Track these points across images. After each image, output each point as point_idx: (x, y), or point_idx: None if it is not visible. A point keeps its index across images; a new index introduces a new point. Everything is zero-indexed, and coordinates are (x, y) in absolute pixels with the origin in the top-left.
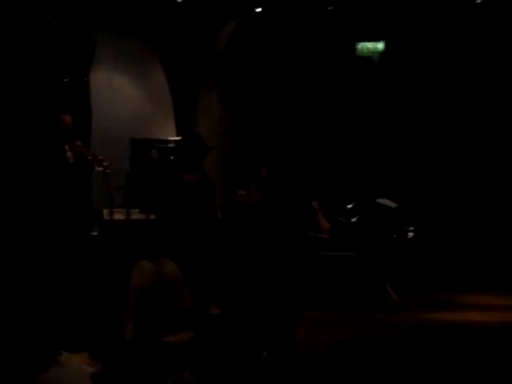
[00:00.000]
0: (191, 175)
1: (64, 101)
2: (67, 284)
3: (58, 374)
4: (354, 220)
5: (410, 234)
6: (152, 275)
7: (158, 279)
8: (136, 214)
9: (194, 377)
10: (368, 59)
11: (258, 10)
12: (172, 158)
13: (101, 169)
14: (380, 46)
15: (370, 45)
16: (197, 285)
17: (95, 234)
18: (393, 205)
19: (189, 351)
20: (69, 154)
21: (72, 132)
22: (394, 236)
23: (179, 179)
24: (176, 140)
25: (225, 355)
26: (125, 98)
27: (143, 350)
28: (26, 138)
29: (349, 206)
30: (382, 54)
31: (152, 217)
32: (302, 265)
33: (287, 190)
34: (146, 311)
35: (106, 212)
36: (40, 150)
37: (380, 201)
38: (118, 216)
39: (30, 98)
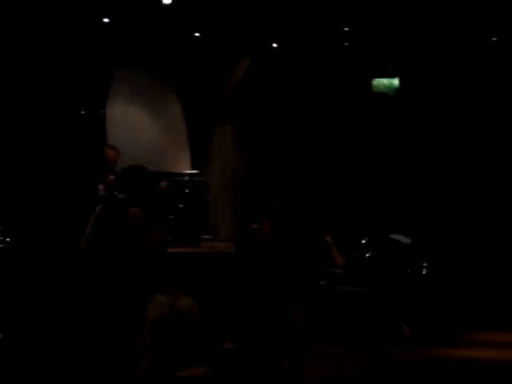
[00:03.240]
0: (134, 209)
1: (80, 133)
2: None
3: None
4: (367, 255)
5: (424, 271)
6: (167, 309)
7: (173, 313)
8: None
9: None
10: (384, 95)
11: (275, 45)
12: (187, 191)
13: None
14: (395, 82)
15: (385, 81)
16: (211, 319)
17: None
18: (407, 240)
19: None
20: (101, 186)
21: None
22: (408, 272)
23: (123, 212)
24: (191, 173)
25: None
26: (140, 130)
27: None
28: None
29: (363, 241)
30: (397, 90)
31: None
32: (307, 297)
33: (289, 235)
34: (160, 345)
35: None
36: (73, 181)
37: (394, 236)
38: None
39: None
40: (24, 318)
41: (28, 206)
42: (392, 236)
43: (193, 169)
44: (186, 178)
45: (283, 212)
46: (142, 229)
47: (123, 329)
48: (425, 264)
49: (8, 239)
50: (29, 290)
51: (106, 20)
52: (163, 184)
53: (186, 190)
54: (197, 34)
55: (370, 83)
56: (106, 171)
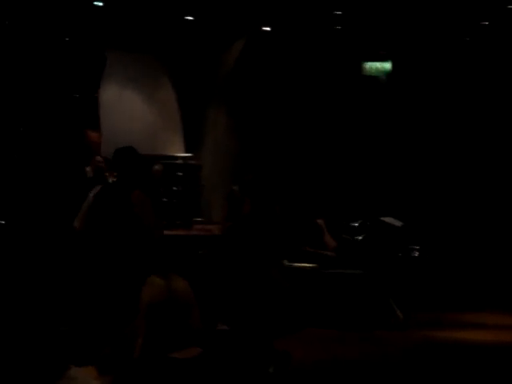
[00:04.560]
0: (138, 192)
1: (74, 116)
2: (78, 299)
3: None
4: (359, 238)
5: (416, 253)
6: (163, 291)
7: (168, 295)
8: None
9: None
10: (375, 79)
11: (267, 29)
12: (180, 174)
13: None
14: (387, 65)
15: (377, 64)
16: (205, 301)
17: None
18: (398, 223)
19: (197, 367)
20: (88, 168)
21: (95, 148)
22: (399, 254)
23: (120, 195)
24: (184, 156)
25: (232, 371)
26: (134, 113)
27: (151, 365)
28: (45, 150)
29: (354, 224)
30: (389, 73)
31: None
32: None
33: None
34: (155, 326)
35: None
36: (60, 164)
37: (385, 219)
38: None
39: (41, 113)
40: (18, 300)
41: (19, 189)
42: (383, 219)
43: (186, 152)
44: (180, 162)
45: (260, 185)
46: (146, 211)
47: (119, 310)
48: (416, 246)
49: (3, 222)
50: (21, 273)
51: (99, 4)
52: (157, 167)
53: (179, 173)
54: (190, 18)
55: (361, 67)
56: (90, 154)
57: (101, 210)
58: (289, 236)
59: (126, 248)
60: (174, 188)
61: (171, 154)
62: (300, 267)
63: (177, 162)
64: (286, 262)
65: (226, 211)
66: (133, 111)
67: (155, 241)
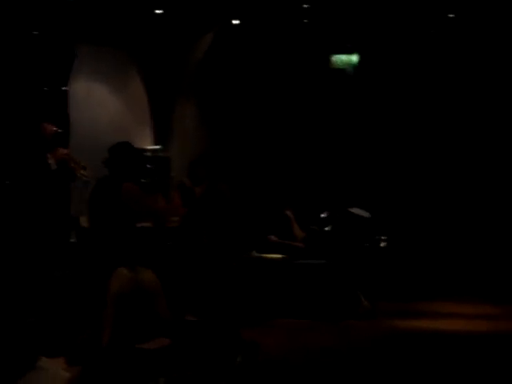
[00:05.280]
0: (129, 183)
1: (43, 109)
2: (46, 290)
3: (36, 378)
4: (327, 229)
5: (383, 243)
6: (130, 282)
7: (136, 286)
8: None
9: (170, 383)
10: (342, 71)
11: (236, 22)
12: (149, 166)
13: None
14: (354, 58)
15: (344, 57)
16: (173, 292)
17: (73, 241)
18: (365, 214)
19: (165, 358)
20: (51, 160)
21: (52, 140)
22: (367, 245)
23: (116, 187)
24: (152, 149)
25: (200, 362)
26: (103, 107)
27: (120, 356)
28: (8, 144)
29: (322, 215)
30: (355, 66)
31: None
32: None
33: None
34: (123, 317)
35: (83, 219)
36: (21, 157)
37: (353, 210)
38: None
39: (9, 106)
40: None
41: None
42: (351, 210)
43: (155, 144)
44: (149, 154)
45: (214, 178)
46: (136, 202)
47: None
48: (383, 237)
49: None
50: None
51: None
52: None
53: (149, 166)
54: (158, 11)
55: (328, 59)
56: (48, 146)
57: (95, 203)
58: (257, 226)
59: (109, 237)
60: (143, 180)
61: (140, 147)
62: (269, 258)
63: (146, 154)
64: (254, 253)
65: (179, 200)
66: (102, 104)
67: (158, 225)
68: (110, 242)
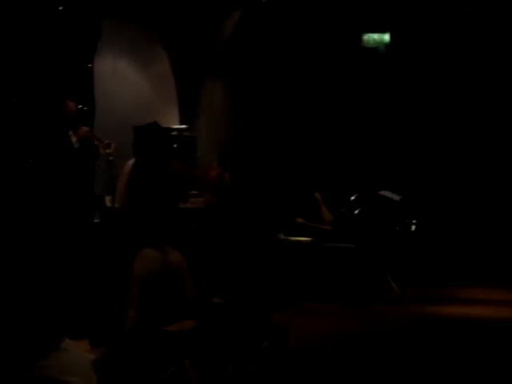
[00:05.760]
0: (177, 164)
1: (68, 87)
2: (71, 271)
3: (59, 360)
4: (356, 212)
5: (413, 227)
6: (157, 263)
7: (163, 267)
8: None
9: (195, 366)
10: (374, 50)
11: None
12: (175, 146)
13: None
14: (386, 37)
15: (376, 36)
16: (200, 274)
17: (97, 221)
18: (396, 197)
19: (190, 340)
20: (74, 139)
21: (76, 118)
22: (397, 228)
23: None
24: (179, 128)
25: (226, 344)
26: (129, 85)
27: (144, 338)
28: (30, 123)
29: (351, 198)
30: (387, 45)
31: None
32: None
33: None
34: (149, 299)
35: (108, 199)
36: (44, 135)
37: (383, 193)
38: None
39: (34, 85)
40: (11, 275)
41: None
42: (381, 193)
43: (181, 124)
44: (175, 133)
45: (244, 162)
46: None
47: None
48: (414, 221)
49: None
50: (14, 249)
51: None
52: None
53: (175, 145)
54: None
55: (360, 38)
56: (69, 124)
57: (139, 184)
58: (284, 209)
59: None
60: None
61: (166, 126)
62: (296, 241)
63: (172, 133)
64: (281, 236)
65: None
66: (127, 82)
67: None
68: (141, 222)
